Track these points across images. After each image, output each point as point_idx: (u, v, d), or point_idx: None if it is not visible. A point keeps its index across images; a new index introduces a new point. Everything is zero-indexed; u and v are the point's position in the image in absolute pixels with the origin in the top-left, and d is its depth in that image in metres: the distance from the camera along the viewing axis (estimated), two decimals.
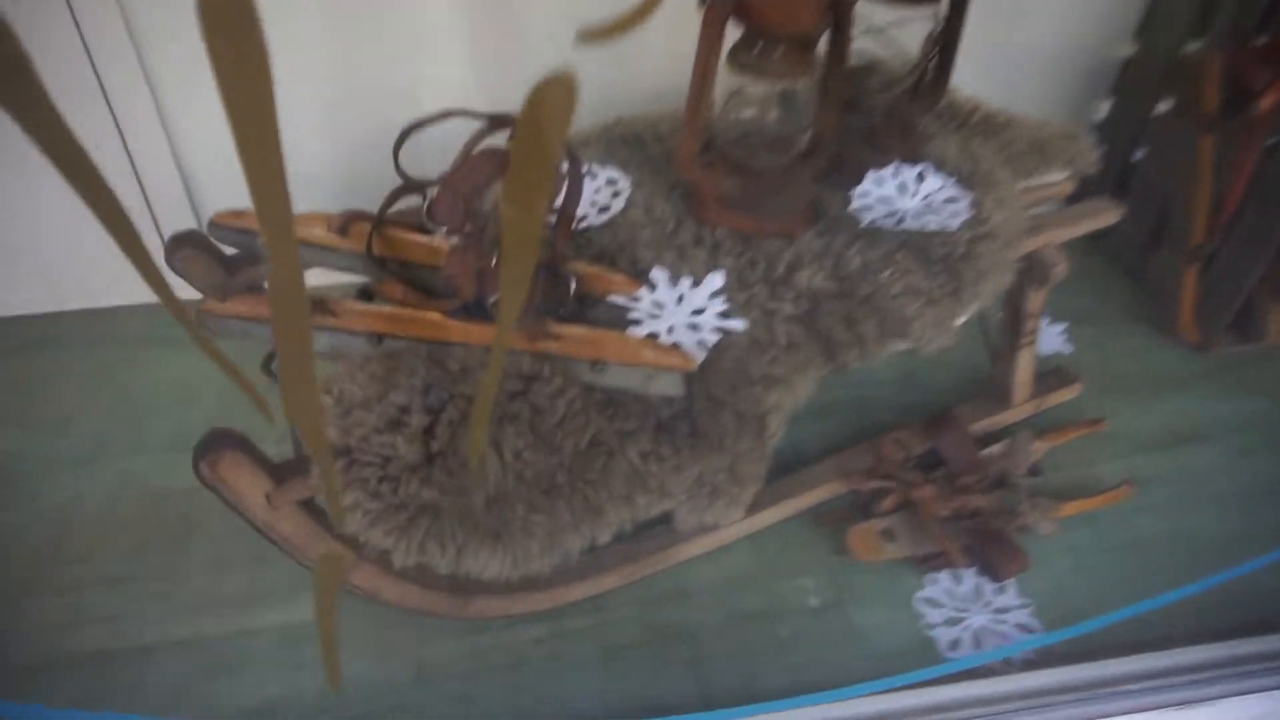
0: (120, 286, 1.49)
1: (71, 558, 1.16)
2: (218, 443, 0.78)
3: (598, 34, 0.39)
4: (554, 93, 0.36)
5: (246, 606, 1.11)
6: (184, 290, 0.89)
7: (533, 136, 0.37)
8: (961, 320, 1.01)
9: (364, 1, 1.26)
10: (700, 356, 0.86)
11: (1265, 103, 1.21)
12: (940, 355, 1.48)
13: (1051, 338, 1.49)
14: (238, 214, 0.97)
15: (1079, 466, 1.30)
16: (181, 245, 0.97)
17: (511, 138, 0.89)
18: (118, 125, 1.27)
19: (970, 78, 1.36)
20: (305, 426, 0.50)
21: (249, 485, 0.80)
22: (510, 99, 0.91)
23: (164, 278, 0.42)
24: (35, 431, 1.33)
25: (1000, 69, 1.50)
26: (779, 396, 0.89)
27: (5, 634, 1.08)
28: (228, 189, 1.29)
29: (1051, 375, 1.38)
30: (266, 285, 0.64)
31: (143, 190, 1.34)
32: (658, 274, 0.94)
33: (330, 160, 1.38)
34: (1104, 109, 1.63)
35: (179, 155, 1.33)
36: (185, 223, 1.38)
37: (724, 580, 1.16)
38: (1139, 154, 1.56)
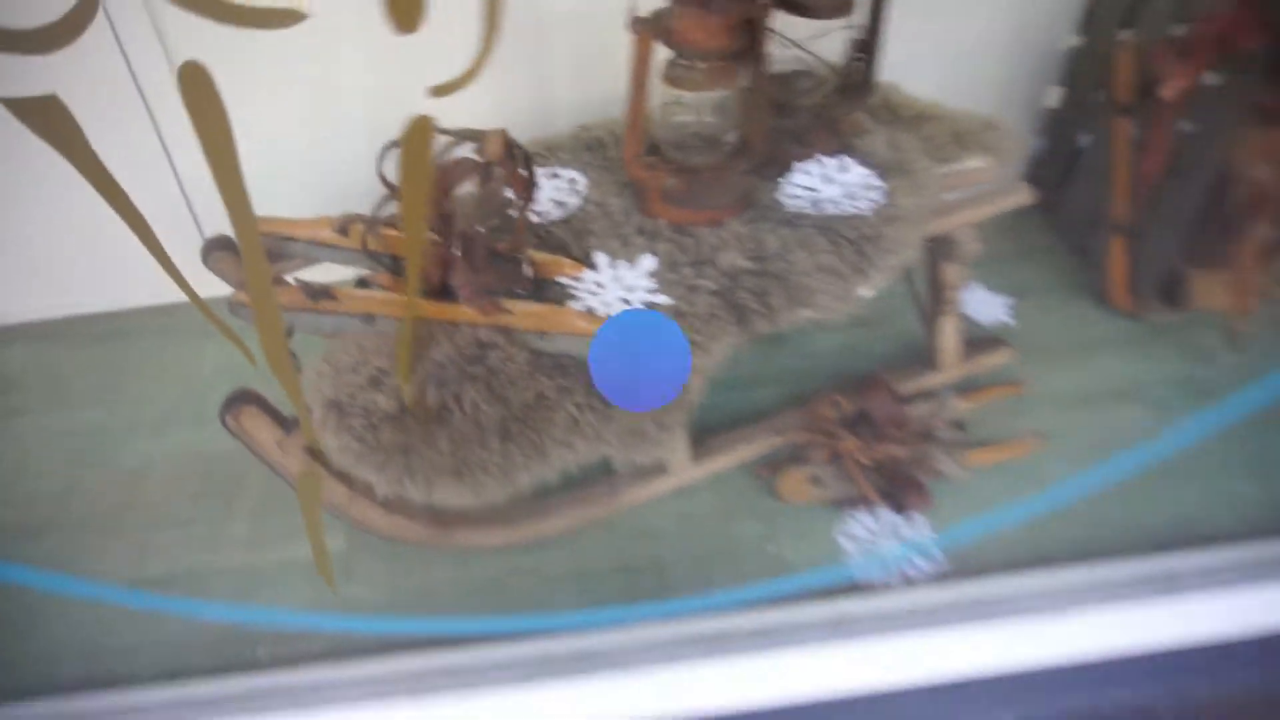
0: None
1: (143, 504, 1.42)
2: (240, 400, 1.01)
3: (446, 88, 0.55)
4: (412, 134, 0.56)
5: (280, 543, 1.35)
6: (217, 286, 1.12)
7: (410, 165, 0.57)
8: (867, 292, 1.17)
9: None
10: None
11: (1165, 91, 1.33)
12: (883, 328, 1.66)
13: (995, 309, 1.62)
14: (261, 221, 1.19)
15: (1005, 425, 1.45)
16: (215, 248, 1.21)
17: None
18: (162, 141, 1.51)
19: (928, 71, 1.50)
20: (280, 371, 0.71)
21: (264, 433, 1.02)
22: (484, 112, 1.09)
23: (179, 271, 0.65)
24: (115, 407, 1.59)
25: (954, 63, 1.63)
26: (697, 358, 1.07)
27: (91, 562, 1.33)
28: (256, 197, 1.53)
29: (983, 342, 1.52)
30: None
31: (184, 195, 1.59)
32: (599, 258, 1.13)
33: (334, 169, 1.60)
34: (1056, 96, 1.74)
35: None
36: (222, 224, 1.63)
37: (684, 520, 1.35)
38: (1084, 139, 1.68)
